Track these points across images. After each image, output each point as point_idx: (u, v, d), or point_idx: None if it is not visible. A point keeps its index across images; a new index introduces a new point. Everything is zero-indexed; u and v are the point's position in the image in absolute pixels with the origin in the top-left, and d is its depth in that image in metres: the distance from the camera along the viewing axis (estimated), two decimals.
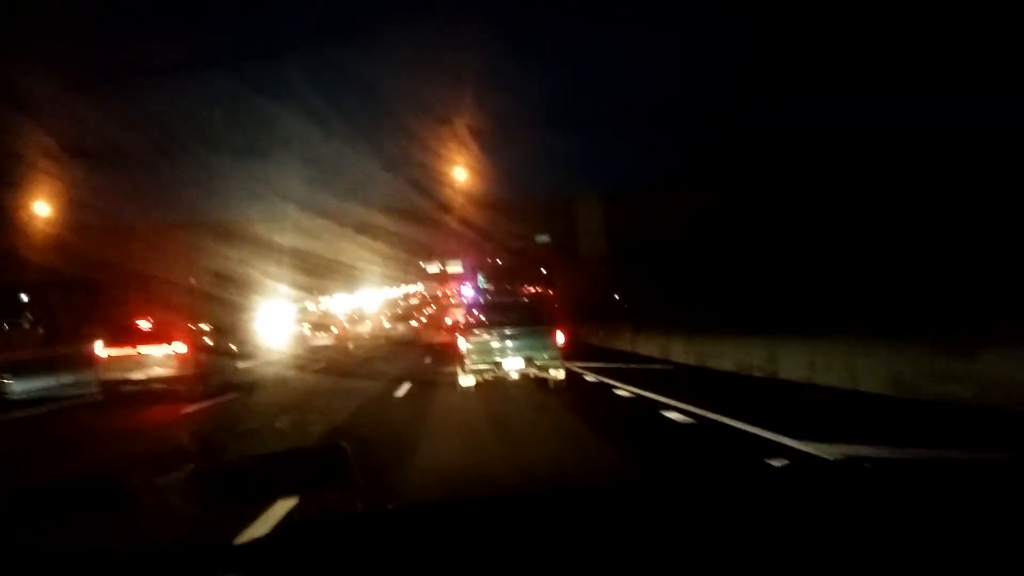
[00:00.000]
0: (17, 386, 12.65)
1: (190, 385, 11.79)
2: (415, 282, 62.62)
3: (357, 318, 48.89)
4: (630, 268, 27.15)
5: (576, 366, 13.81)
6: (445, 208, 29.51)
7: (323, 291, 48.15)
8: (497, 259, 41.19)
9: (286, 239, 28.46)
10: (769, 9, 27.31)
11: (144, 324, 12.44)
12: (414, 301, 63.77)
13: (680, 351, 15.84)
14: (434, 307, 55.43)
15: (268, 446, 6.83)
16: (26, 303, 29.34)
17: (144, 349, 11.82)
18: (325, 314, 45.11)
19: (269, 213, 28.00)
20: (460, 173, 27.98)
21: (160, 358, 11.80)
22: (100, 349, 11.95)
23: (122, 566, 1.10)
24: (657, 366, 15.54)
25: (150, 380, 11.70)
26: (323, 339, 31.24)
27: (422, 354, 21.21)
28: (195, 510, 1.29)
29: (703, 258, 23.60)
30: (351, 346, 31.33)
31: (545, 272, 35.70)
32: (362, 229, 29.56)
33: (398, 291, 66.15)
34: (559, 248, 31.78)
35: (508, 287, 35.78)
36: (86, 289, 25.00)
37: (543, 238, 31.25)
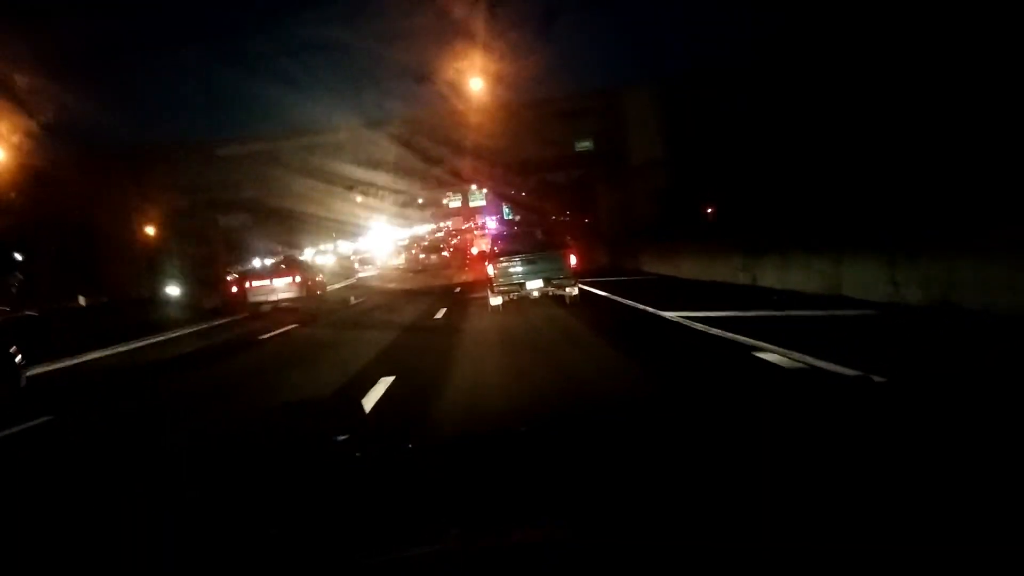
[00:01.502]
0: None
1: (306, 303, 19.81)
2: (443, 218, 77.09)
3: (395, 252, 62.47)
4: (696, 174, 24.56)
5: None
6: (469, 127, 27.86)
7: (363, 232, 62.20)
8: (521, 191, 45.66)
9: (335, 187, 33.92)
10: None
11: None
12: (440, 235, 74.77)
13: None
14: (459, 239, 66.52)
15: (367, 333, 12.86)
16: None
17: (275, 282, 20.66)
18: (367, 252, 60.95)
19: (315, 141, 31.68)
20: (479, 82, 26.18)
21: (285, 287, 20.58)
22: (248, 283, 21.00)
23: None
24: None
25: (279, 301, 20.16)
26: (370, 270, 46.08)
27: (452, 280, 26.73)
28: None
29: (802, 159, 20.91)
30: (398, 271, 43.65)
31: (572, 198, 37.50)
32: (391, 169, 32.33)
33: (427, 227, 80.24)
34: (604, 155, 29.25)
35: (533, 216, 38.44)
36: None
37: (584, 144, 28.79)
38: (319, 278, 22.77)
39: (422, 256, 52.39)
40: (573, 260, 13.60)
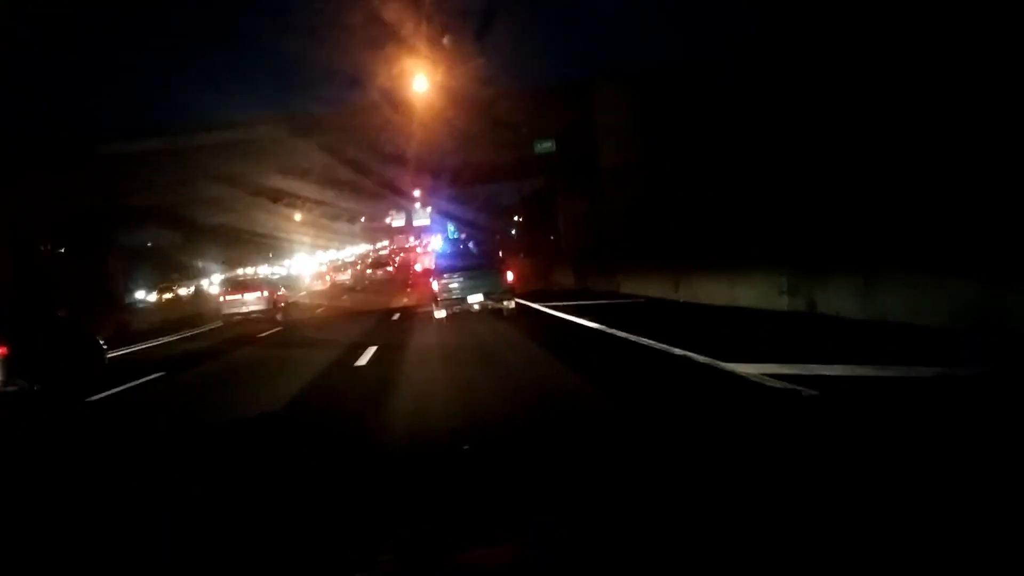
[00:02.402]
0: None
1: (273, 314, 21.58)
2: (387, 236, 79.44)
3: (340, 268, 64.35)
4: (676, 179, 20.45)
5: None
6: (412, 131, 23.65)
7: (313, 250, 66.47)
8: (468, 209, 47.24)
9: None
10: None
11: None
12: (384, 252, 79.08)
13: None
14: (403, 256, 69.73)
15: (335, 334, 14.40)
16: None
17: (245, 296, 21.99)
18: (318, 268, 62.46)
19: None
20: (422, 80, 22.04)
21: (254, 300, 21.83)
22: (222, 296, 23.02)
23: None
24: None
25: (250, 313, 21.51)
26: (319, 286, 46.24)
27: (399, 294, 27.58)
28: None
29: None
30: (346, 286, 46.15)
31: (528, 213, 36.96)
32: (322, 180, 29.37)
33: (371, 246, 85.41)
34: (568, 159, 25.01)
35: (479, 234, 39.26)
36: None
37: (545, 146, 24.48)
38: (281, 292, 24.64)
39: (368, 272, 56.64)
40: (510, 276, 14.50)
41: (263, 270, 57.78)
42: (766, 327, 8.99)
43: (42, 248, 28.44)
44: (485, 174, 28.74)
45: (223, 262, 57.62)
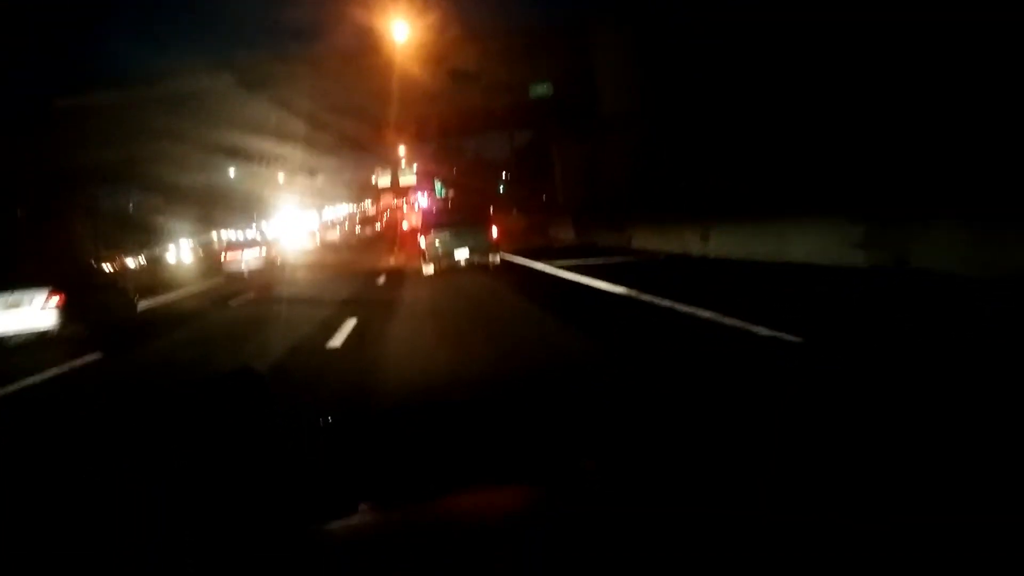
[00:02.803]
0: None
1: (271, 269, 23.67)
2: (369, 196, 77.86)
3: (330, 226, 64.69)
4: (689, 123, 18.25)
5: None
6: (394, 73, 21.36)
7: (298, 210, 64.24)
8: (453, 167, 49.15)
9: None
10: None
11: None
12: (372, 212, 78.27)
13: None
14: (390, 214, 70.59)
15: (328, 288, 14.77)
16: None
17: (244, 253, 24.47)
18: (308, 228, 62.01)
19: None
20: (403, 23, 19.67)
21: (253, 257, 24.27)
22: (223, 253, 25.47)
23: None
24: None
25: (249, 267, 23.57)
26: (309, 244, 45.33)
27: (387, 252, 26.83)
28: None
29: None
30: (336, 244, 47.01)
31: (520, 167, 35.53)
32: (299, 136, 26.56)
33: (355, 205, 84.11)
34: (565, 104, 22.65)
35: (465, 192, 39.22)
36: None
37: (540, 89, 22.11)
38: (276, 251, 26.61)
39: (357, 230, 60.16)
40: (495, 232, 14.76)
41: (249, 232, 53.81)
42: (859, 289, 7.04)
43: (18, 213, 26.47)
44: (475, 124, 26.36)
45: (201, 222, 55.58)
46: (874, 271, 7.68)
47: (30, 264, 14.67)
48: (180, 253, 51.65)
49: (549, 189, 29.96)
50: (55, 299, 10.70)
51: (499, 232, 15.02)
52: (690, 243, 12.82)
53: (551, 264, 14.18)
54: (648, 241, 15.28)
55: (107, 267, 21.38)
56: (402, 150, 63.04)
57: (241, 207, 55.92)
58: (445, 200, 38.75)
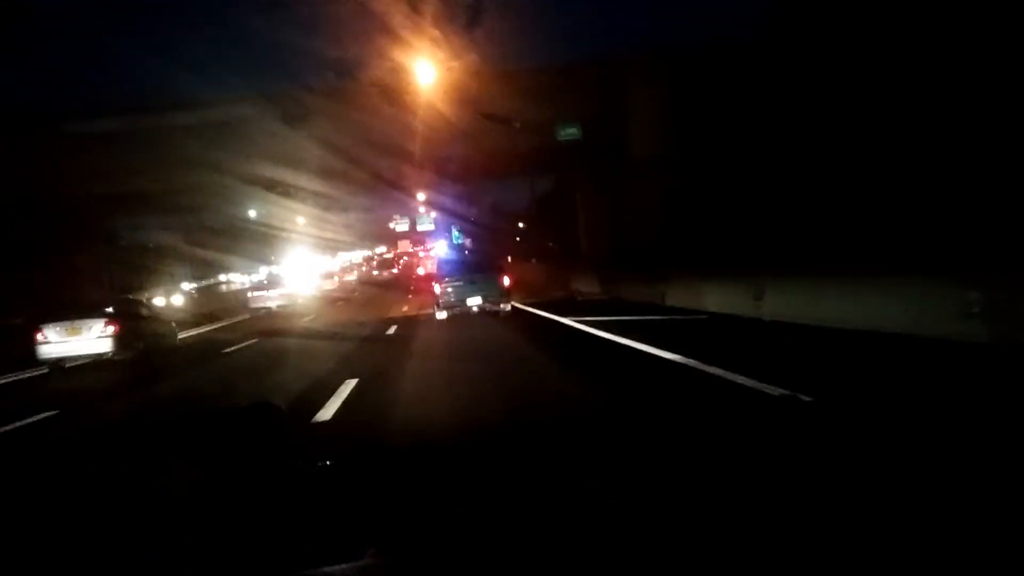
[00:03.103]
0: None
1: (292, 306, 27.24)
2: (390, 241, 78.64)
3: (348, 269, 68.40)
4: (728, 168, 16.78)
5: None
6: (417, 127, 20.37)
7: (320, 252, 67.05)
8: (471, 214, 49.60)
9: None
10: None
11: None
12: (389, 256, 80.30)
13: None
14: (406, 260, 72.98)
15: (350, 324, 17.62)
16: None
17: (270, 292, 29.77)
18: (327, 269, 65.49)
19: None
20: (426, 64, 18.70)
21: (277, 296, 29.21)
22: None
23: None
24: None
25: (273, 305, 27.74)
26: (329, 284, 47.44)
27: (403, 297, 26.98)
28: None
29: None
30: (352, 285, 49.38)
31: (541, 216, 36.07)
32: (328, 181, 26.15)
33: (376, 250, 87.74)
34: (594, 148, 21.32)
35: (482, 240, 40.83)
36: None
37: (570, 132, 20.80)
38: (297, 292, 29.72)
39: (375, 273, 64.01)
40: (507, 281, 15.29)
41: (271, 273, 56.21)
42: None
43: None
44: (498, 167, 25.13)
45: (221, 261, 55.14)
46: (1000, 348, 6.02)
47: (88, 295, 16.50)
48: (199, 290, 52.10)
49: (570, 238, 28.59)
50: (111, 328, 12.41)
51: (513, 281, 15.80)
52: (738, 301, 11.20)
53: (580, 320, 12.61)
54: (684, 297, 13.67)
55: (149, 300, 22.97)
56: (421, 196, 63.17)
57: (261, 246, 55.90)
58: (461, 247, 40.62)
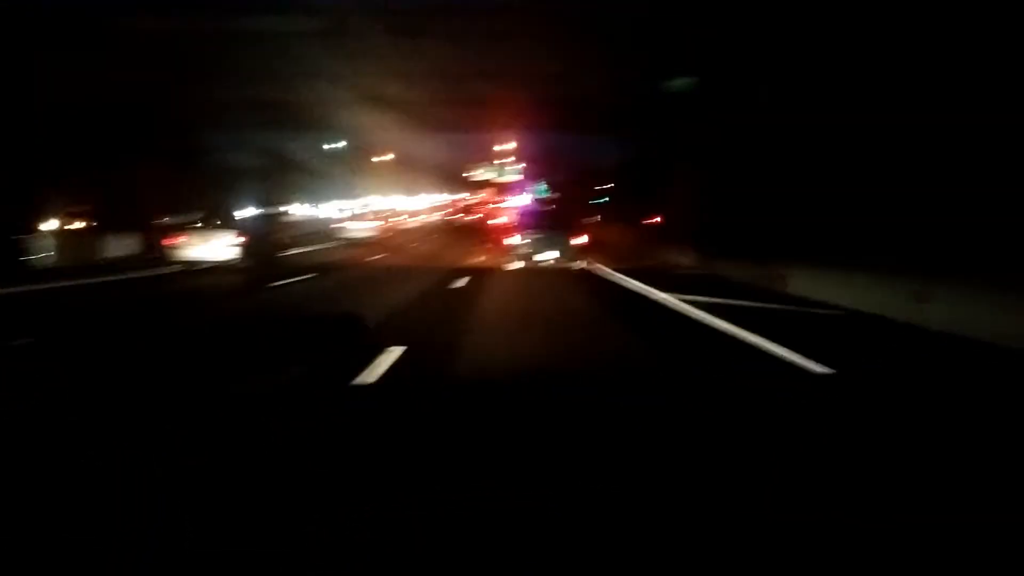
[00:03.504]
0: None
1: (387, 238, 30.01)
2: (465, 189, 79.22)
3: (431, 209, 72.63)
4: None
5: None
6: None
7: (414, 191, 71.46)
8: (561, 171, 49.95)
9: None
10: None
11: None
12: (473, 202, 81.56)
13: None
14: (490, 207, 73.76)
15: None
16: None
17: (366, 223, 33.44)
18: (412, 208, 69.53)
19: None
20: None
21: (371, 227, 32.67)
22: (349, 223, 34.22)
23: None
24: None
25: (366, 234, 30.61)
26: (413, 223, 53.59)
27: (479, 245, 25.82)
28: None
29: None
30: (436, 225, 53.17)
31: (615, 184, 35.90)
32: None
33: (461, 195, 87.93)
34: (703, 102, 18.44)
35: (570, 196, 40.61)
36: None
37: (680, 83, 18.06)
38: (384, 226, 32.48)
39: (459, 215, 65.03)
40: (584, 239, 16.18)
41: (351, 203, 60.71)
42: None
43: None
44: (594, 119, 22.74)
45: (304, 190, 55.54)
46: None
47: (223, 208, 18.34)
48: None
49: (669, 203, 26.06)
50: (241, 239, 14.58)
51: (591, 241, 16.52)
52: (891, 300, 8.75)
53: (681, 298, 10.46)
54: (810, 285, 11.22)
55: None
56: (511, 145, 62.01)
57: (350, 177, 56.17)
58: (544, 201, 40.75)
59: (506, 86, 20.60)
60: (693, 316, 8.99)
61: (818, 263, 11.41)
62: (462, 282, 13.07)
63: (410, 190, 71.76)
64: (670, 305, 10.17)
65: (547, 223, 16.28)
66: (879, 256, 9.78)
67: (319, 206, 63.63)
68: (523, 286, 13.04)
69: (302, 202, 59.91)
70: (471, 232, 41.91)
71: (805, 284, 11.46)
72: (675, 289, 11.54)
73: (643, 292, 12.10)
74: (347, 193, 62.50)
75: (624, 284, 13.86)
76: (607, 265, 17.72)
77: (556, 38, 17.42)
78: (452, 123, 27.05)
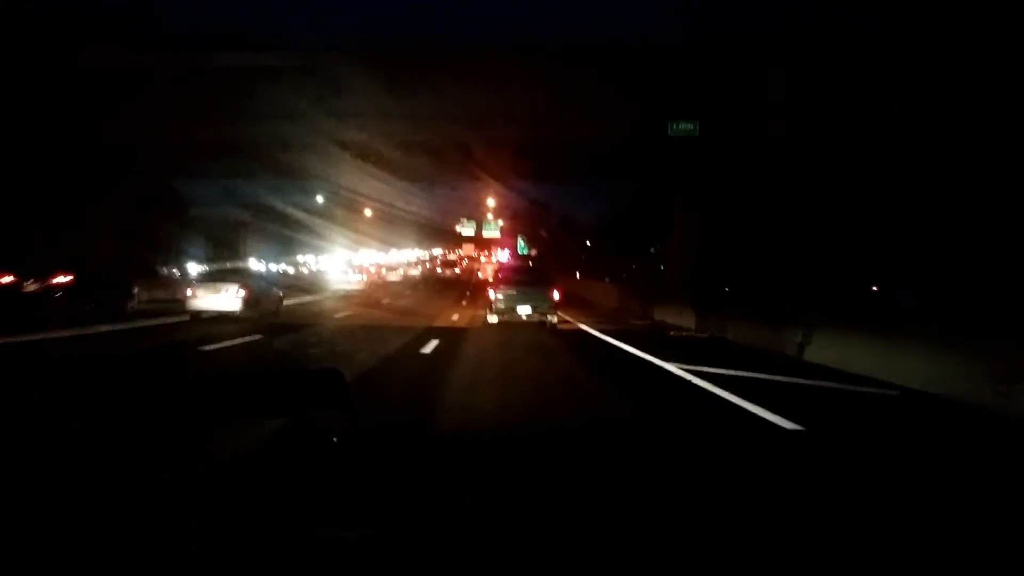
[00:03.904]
0: None
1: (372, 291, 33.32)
2: (454, 243, 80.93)
3: (414, 264, 72.91)
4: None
5: None
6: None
7: (390, 247, 72.08)
8: (541, 226, 52.13)
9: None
10: None
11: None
12: (452, 258, 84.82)
13: None
14: (468, 262, 76.75)
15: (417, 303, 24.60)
16: None
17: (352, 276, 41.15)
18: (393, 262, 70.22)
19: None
20: None
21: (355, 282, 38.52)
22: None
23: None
24: None
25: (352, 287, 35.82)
26: (394, 276, 51.94)
27: (459, 299, 26.11)
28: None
29: None
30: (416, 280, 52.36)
31: (590, 244, 38.00)
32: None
33: (434, 251, 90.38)
34: (714, 145, 16.81)
35: (550, 252, 41.19)
36: None
37: (684, 127, 16.42)
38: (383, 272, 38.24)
39: (438, 270, 66.91)
40: (556, 295, 15.64)
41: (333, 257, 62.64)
42: None
43: None
44: (584, 164, 21.11)
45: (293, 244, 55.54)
46: None
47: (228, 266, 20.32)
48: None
49: (662, 256, 24.39)
50: (243, 292, 15.35)
51: (562, 296, 16.66)
52: (961, 382, 6.81)
53: (686, 369, 8.51)
54: (843, 355, 9.28)
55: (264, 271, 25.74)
56: (491, 202, 62.02)
57: (335, 232, 55.64)
58: (525, 258, 40.61)
59: (490, 130, 19.06)
60: (708, 391, 7.03)
61: (848, 325, 9.54)
62: (431, 347, 11.04)
63: (391, 244, 72.81)
64: (677, 376, 8.21)
65: (523, 279, 16.14)
66: (936, 319, 7.92)
67: (307, 260, 64.47)
68: (503, 352, 11.02)
69: (289, 256, 60.11)
70: (450, 286, 42.37)
71: (830, 351, 9.54)
72: (671, 356, 9.61)
73: (637, 356, 10.16)
74: (329, 247, 62.12)
75: (613, 344, 11.95)
76: (594, 326, 15.86)
77: (549, 78, 15.90)
78: (432, 172, 25.39)
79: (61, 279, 16.86)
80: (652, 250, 29.81)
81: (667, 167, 18.83)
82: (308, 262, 64.35)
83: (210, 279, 16.93)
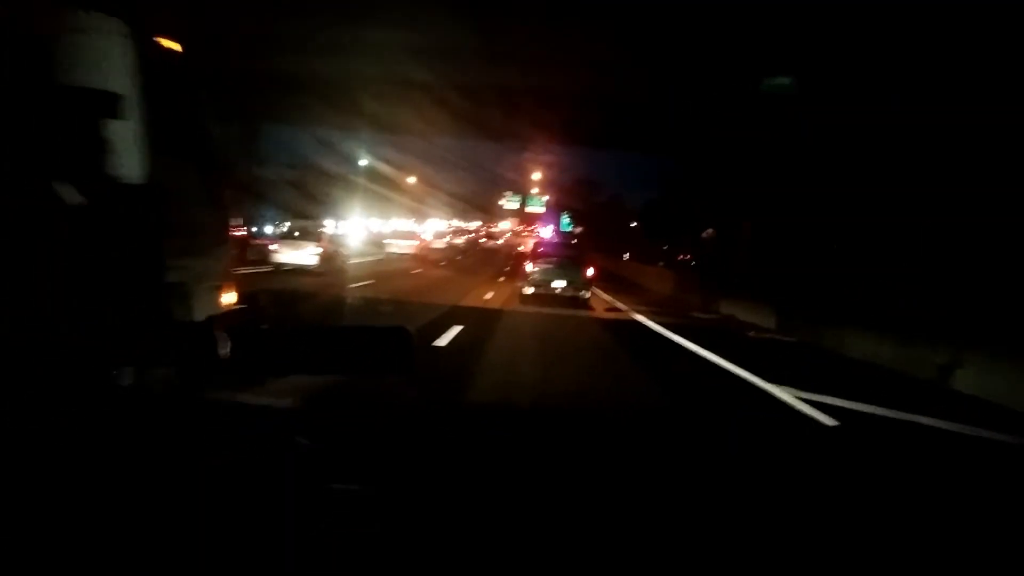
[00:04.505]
0: None
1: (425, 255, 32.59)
2: (498, 216, 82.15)
3: (460, 232, 72.88)
4: None
5: None
6: None
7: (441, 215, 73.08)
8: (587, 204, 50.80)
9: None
10: None
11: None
12: (495, 230, 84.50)
13: None
14: (510, 235, 77.43)
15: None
16: None
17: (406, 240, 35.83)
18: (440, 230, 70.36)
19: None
20: None
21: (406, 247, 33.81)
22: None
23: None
24: None
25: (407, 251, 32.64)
26: (439, 244, 50.41)
27: (498, 271, 25.83)
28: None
29: None
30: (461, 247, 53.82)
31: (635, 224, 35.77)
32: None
33: (472, 224, 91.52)
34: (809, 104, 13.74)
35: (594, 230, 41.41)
36: None
37: (779, 81, 13.42)
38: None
39: (482, 240, 67.58)
40: (591, 272, 15.58)
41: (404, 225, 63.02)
42: None
43: None
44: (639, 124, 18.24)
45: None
46: None
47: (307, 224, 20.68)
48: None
49: (723, 238, 21.54)
50: (321, 248, 17.58)
51: (597, 273, 16.50)
52: None
53: (800, 397, 5.88)
54: (1016, 388, 6.54)
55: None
56: (536, 175, 60.72)
57: (381, 199, 55.13)
58: (564, 235, 39.50)
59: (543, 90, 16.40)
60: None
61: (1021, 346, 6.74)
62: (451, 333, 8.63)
63: (437, 214, 72.02)
64: (827, 429, 5.57)
65: (560, 253, 16.26)
66: None
67: (366, 222, 64.39)
68: (547, 339, 8.60)
69: (350, 217, 59.56)
70: (492, 254, 44.35)
71: (993, 380, 6.76)
72: (769, 369, 6.99)
73: (721, 367, 7.52)
74: (381, 212, 61.26)
75: (680, 344, 9.35)
76: (651, 317, 13.32)
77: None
78: (484, 127, 22.77)
79: None
80: (703, 235, 26.72)
81: (756, 124, 15.56)
82: (368, 224, 64.55)
83: (292, 236, 18.44)
